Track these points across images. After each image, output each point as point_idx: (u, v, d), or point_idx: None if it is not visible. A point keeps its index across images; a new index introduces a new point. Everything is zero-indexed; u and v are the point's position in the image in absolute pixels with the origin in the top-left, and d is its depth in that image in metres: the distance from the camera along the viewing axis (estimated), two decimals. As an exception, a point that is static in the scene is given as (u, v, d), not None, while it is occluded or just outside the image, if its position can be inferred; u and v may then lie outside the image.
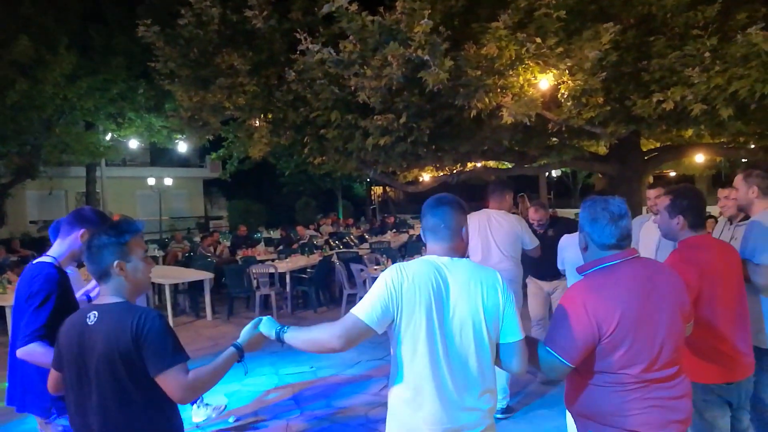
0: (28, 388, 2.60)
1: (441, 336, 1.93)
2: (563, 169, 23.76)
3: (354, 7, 5.96)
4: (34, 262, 2.60)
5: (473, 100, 6.13)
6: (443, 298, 1.95)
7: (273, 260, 10.35)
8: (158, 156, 26.98)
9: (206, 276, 9.06)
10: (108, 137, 17.90)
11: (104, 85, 15.30)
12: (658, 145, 9.96)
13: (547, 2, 5.61)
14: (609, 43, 5.54)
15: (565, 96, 5.99)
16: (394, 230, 17.07)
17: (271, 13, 7.48)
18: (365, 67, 6.17)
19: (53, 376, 2.12)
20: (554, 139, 8.58)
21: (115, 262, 1.98)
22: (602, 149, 9.94)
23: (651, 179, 14.45)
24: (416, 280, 1.95)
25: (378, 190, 34.44)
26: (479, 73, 5.96)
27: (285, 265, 9.54)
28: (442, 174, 10.67)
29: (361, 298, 7.87)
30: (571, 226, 5.18)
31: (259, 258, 10.86)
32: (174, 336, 1.93)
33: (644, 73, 5.98)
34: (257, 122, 8.36)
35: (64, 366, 2.00)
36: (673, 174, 22.92)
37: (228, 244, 13.11)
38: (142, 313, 1.91)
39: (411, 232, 16.22)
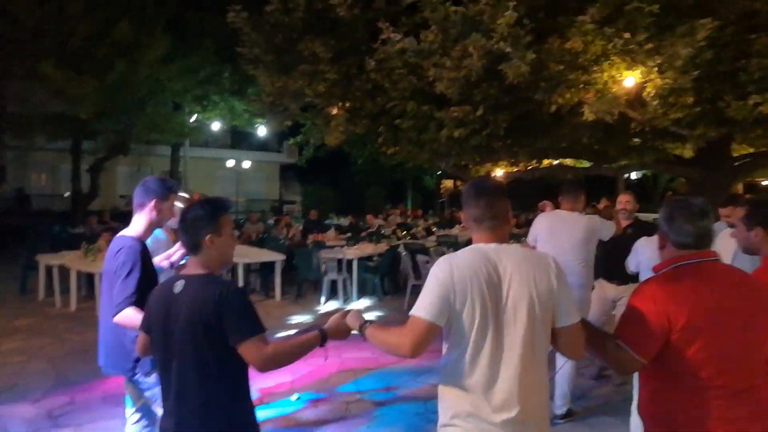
0: (111, 350, 2.80)
1: (495, 323, 1.91)
2: (644, 172, 22.75)
3: (438, -4, 5.96)
4: (118, 236, 2.80)
5: (554, 95, 6.01)
6: (495, 286, 1.92)
7: (342, 246, 10.53)
8: (238, 139, 27.95)
9: (278, 257, 9.34)
10: (193, 119, 18.73)
11: (193, 68, 16.00)
12: (751, 150, 9.37)
13: (640, -4, 5.39)
14: (704, 39, 5.26)
15: (651, 95, 5.74)
16: (462, 224, 16.92)
17: (355, 1, 7.58)
18: (445, 58, 6.16)
19: (142, 338, 2.25)
20: (636, 139, 8.26)
21: (208, 236, 2.07)
22: (688, 152, 9.45)
23: (740, 187, 13.62)
24: (466, 270, 1.92)
25: (448, 183, 34.24)
26: (562, 67, 5.83)
27: (353, 252, 9.68)
28: (516, 170, 10.50)
29: (426, 289, 7.74)
30: (650, 229, 4.94)
31: (328, 243, 11.07)
32: (253, 308, 2.01)
33: (742, 73, 5.64)
34: (335, 110, 8.52)
35: (152, 329, 2.14)
36: (765, 183, 21.48)
37: (300, 227, 13.44)
38: (225, 284, 2.01)
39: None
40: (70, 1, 12.82)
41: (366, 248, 10.28)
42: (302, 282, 9.60)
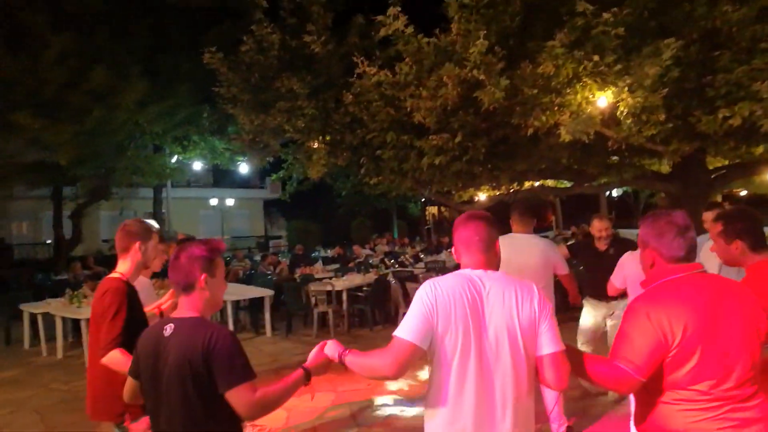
0: (100, 395, 2.77)
1: (477, 349, 1.91)
2: (624, 189, 23.06)
3: (410, 29, 6.09)
4: (104, 278, 2.81)
5: (530, 119, 6.11)
6: (479, 311, 1.93)
7: (330, 278, 10.50)
8: (221, 177, 27.95)
9: (266, 293, 9.28)
10: (174, 160, 18.72)
11: (171, 110, 16.06)
12: (725, 162, 9.56)
13: (605, 20, 5.55)
14: (670, 58, 5.42)
15: (625, 113, 5.87)
16: (450, 250, 16.98)
17: (329, 37, 7.73)
18: (421, 88, 6.27)
19: (129, 384, 2.20)
20: (614, 157, 8.40)
21: (203, 276, 2.06)
22: (665, 168, 9.63)
23: (719, 198, 13.86)
24: (450, 294, 1.94)
25: (433, 210, 34.40)
26: (536, 91, 5.94)
27: (342, 283, 9.66)
28: (498, 193, 10.59)
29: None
30: (631, 246, 5.01)
31: (316, 276, 11.04)
32: (243, 354, 1.99)
33: (709, 89, 5.80)
34: (315, 144, 8.58)
35: (141, 374, 2.10)
36: (743, 193, 21.87)
37: (287, 262, 13.39)
38: (214, 330, 1.98)
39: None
40: (43, 50, 12.87)
41: (354, 279, 10.26)
42: (292, 316, 9.53)
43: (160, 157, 18.22)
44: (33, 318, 8.75)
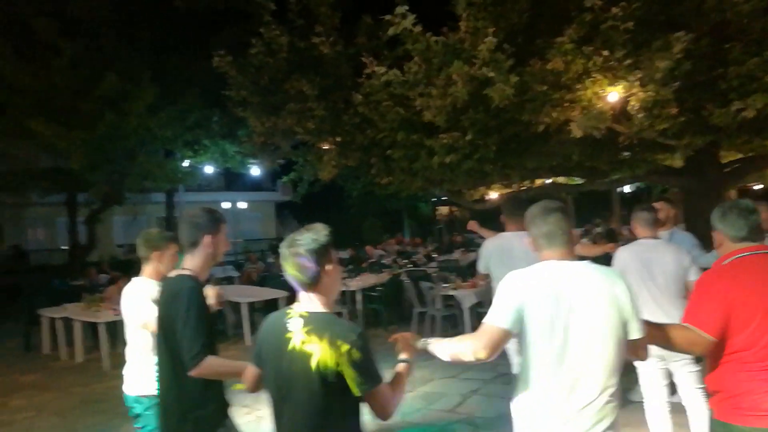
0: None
1: (565, 340, 1.96)
2: (637, 185, 22.88)
3: (418, 28, 6.10)
4: (173, 276, 2.61)
5: (540, 115, 6.10)
6: (568, 302, 1.97)
7: (343, 278, 10.50)
8: (232, 181, 28.05)
9: (280, 294, 9.31)
10: (185, 164, 18.83)
11: (181, 115, 16.16)
12: (739, 156, 9.47)
13: (614, 14, 5.53)
14: (681, 52, 5.39)
15: (636, 108, 5.85)
16: (462, 249, 16.95)
17: (337, 39, 7.75)
18: (430, 87, 6.28)
19: (252, 372, 2.10)
20: (625, 153, 8.35)
21: (330, 266, 1.96)
22: (678, 162, 9.55)
23: (733, 193, 13.73)
24: (539, 285, 2.00)
25: (443, 209, 34.33)
26: (546, 87, 5.93)
27: (355, 284, 9.67)
28: (509, 191, 10.57)
29: (431, 316, 7.80)
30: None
31: (329, 277, 11.04)
32: (374, 354, 1.93)
33: (721, 82, 5.75)
34: (326, 145, 8.60)
35: (263, 365, 2.04)
36: (758, 187, 21.61)
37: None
38: (349, 329, 1.90)
39: (479, 250, 16.01)
40: (55, 57, 13.03)
41: (368, 279, 10.28)
42: (305, 318, 9.54)
43: (171, 161, 18.31)
44: (51, 323, 8.85)
